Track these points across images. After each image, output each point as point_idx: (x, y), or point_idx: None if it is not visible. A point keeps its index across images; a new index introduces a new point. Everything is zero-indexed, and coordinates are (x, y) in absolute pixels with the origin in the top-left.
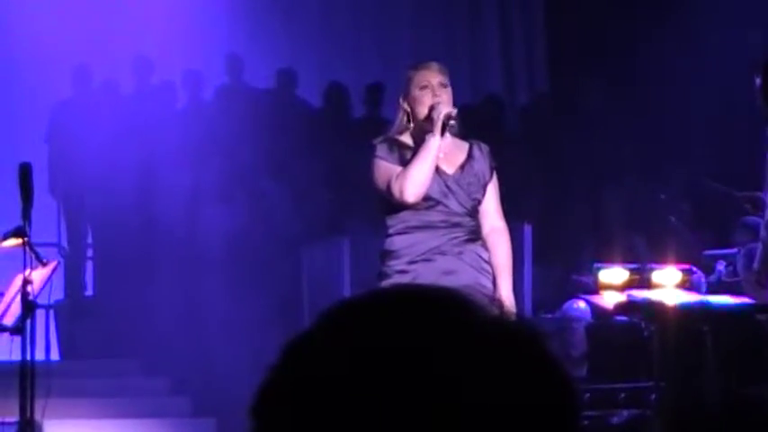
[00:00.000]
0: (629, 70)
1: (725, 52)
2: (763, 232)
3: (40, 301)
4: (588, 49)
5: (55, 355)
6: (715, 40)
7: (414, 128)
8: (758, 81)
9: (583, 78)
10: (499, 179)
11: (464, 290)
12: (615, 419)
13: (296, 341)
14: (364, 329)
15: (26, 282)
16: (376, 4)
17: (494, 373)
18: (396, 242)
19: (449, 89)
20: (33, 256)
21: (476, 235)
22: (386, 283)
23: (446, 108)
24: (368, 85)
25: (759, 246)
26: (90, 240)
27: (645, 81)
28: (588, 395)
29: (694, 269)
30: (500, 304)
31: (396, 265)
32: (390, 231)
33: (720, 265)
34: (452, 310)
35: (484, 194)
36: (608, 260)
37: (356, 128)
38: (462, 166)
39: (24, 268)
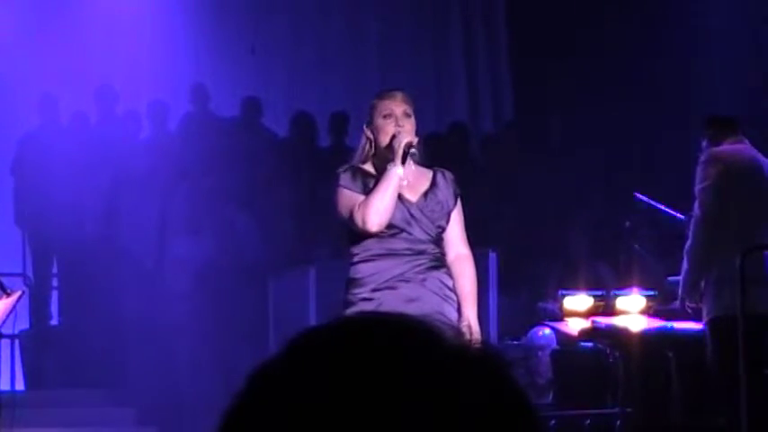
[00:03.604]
0: (593, 98)
1: (692, 81)
2: (684, 260)
3: (4, 330)
4: (553, 76)
5: (20, 385)
6: (682, 70)
7: (376, 156)
8: (704, 143)
9: (548, 106)
10: (464, 207)
11: (427, 317)
12: None
13: (261, 369)
14: (329, 358)
15: None
16: (342, 33)
17: (458, 401)
18: (360, 270)
19: (412, 119)
20: None
21: (440, 262)
22: (350, 310)
23: (407, 137)
24: (334, 114)
25: (681, 273)
26: (55, 270)
27: (610, 109)
28: (554, 422)
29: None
30: (465, 331)
31: (360, 292)
32: (355, 259)
33: None
34: (417, 338)
35: (448, 222)
36: (573, 287)
37: (322, 156)
38: (426, 194)
39: None
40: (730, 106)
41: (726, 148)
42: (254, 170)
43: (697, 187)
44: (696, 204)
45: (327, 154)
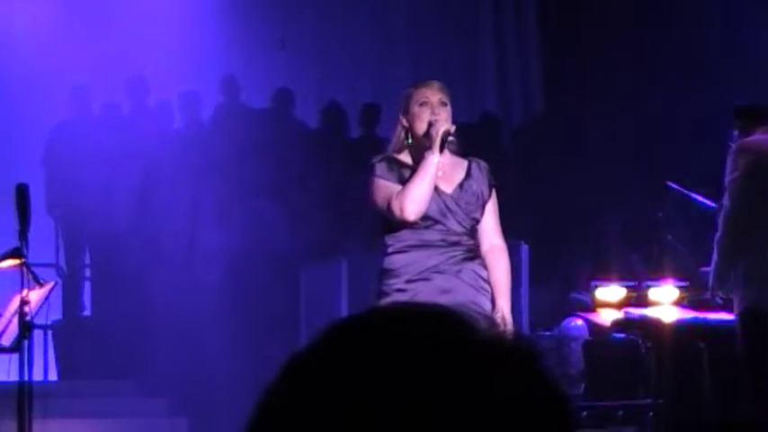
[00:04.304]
0: (624, 90)
1: (729, 72)
2: (714, 252)
3: (37, 321)
4: (583, 68)
5: (53, 376)
6: (719, 60)
7: (412, 145)
8: (735, 133)
9: (578, 97)
10: (497, 197)
11: (461, 307)
12: None
13: (295, 359)
14: (363, 348)
15: (23, 302)
16: (372, 23)
17: (490, 392)
18: (394, 261)
19: (448, 108)
20: (31, 276)
21: (474, 253)
22: (384, 301)
23: (445, 125)
24: (364, 105)
25: (712, 264)
26: (88, 261)
27: (640, 100)
28: (586, 413)
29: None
30: (498, 322)
31: (394, 283)
32: (389, 250)
33: None
34: (450, 329)
35: (482, 213)
36: (605, 278)
37: (353, 147)
38: (461, 185)
39: (22, 289)
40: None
41: (756, 138)
42: (285, 162)
43: (727, 178)
44: (726, 196)
45: (358, 145)
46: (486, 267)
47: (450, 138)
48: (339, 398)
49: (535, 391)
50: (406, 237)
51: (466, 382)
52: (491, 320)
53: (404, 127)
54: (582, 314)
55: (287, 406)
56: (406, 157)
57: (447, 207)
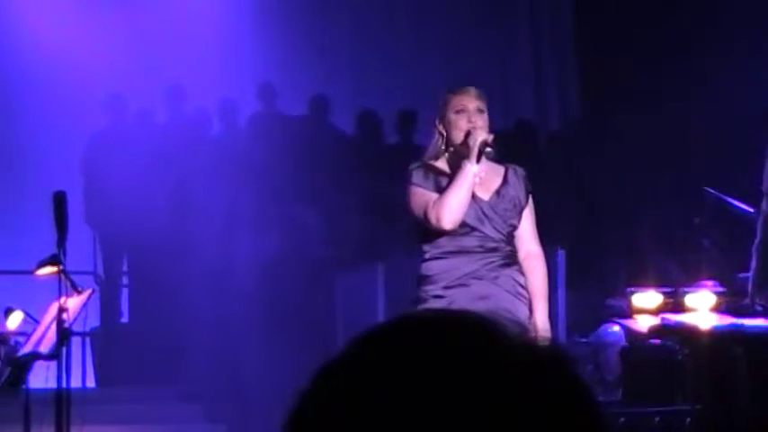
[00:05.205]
0: (661, 95)
1: (761, 78)
2: (753, 258)
3: (75, 328)
4: (619, 71)
5: (90, 383)
6: (750, 66)
7: (449, 153)
8: None
9: (615, 102)
10: (533, 203)
11: (496, 314)
12: None
13: (325, 368)
14: (389, 357)
15: (61, 309)
16: (408, 29)
17: (519, 399)
18: (432, 267)
19: (485, 115)
20: (68, 284)
21: (512, 260)
22: (422, 307)
23: (482, 134)
24: (400, 111)
25: (750, 271)
26: (125, 268)
27: (677, 105)
28: (623, 419)
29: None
30: (535, 329)
31: (432, 290)
32: (426, 256)
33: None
34: (479, 336)
35: (520, 220)
36: (641, 284)
37: (389, 154)
38: (498, 192)
39: (59, 296)
40: None
41: None
42: (322, 168)
43: (765, 184)
44: (764, 201)
45: (395, 151)
46: (523, 273)
47: (488, 149)
48: (367, 406)
49: (565, 397)
50: (444, 243)
51: (494, 390)
52: (523, 327)
53: (440, 134)
54: (618, 320)
55: (316, 415)
56: (442, 165)
57: (484, 214)
